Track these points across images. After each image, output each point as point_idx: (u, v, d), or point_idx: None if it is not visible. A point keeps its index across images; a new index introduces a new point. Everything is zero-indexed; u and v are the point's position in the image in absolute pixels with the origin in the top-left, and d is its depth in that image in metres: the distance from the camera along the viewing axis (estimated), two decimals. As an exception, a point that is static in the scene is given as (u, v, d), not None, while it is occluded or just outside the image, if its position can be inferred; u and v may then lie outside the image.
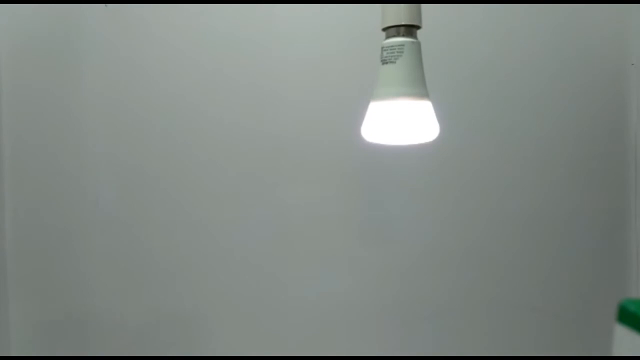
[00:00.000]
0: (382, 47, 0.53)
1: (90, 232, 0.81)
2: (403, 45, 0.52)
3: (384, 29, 0.54)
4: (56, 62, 0.80)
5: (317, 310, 0.80)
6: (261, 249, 0.79)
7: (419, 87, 0.52)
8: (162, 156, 0.80)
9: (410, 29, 0.53)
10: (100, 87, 0.80)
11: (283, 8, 0.77)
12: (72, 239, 0.81)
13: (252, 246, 0.79)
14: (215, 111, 0.79)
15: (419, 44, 0.53)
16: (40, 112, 0.81)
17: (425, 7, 0.54)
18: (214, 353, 0.80)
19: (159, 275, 0.80)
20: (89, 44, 0.79)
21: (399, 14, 0.52)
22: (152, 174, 0.80)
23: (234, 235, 0.80)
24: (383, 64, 0.53)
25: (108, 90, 0.80)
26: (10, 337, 0.82)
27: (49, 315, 0.82)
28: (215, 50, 0.78)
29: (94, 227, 0.81)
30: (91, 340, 0.81)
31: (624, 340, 0.28)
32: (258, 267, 0.80)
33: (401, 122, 0.53)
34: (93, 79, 0.80)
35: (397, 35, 0.53)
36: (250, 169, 0.79)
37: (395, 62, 0.52)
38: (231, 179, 0.79)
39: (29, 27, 0.80)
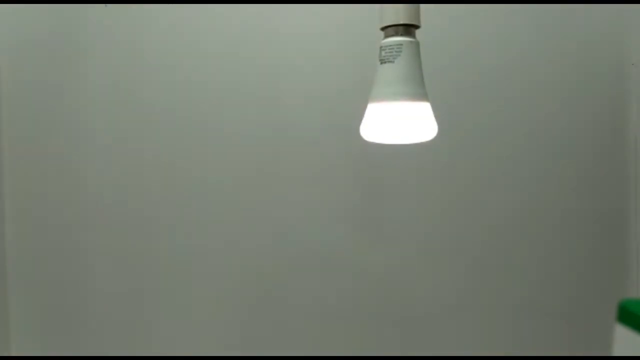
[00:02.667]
0: (381, 47, 0.53)
1: (91, 231, 0.81)
2: (401, 44, 0.52)
3: (383, 29, 0.54)
4: (56, 62, 0.80)
5: (316, 309, 0.79)
6: (260, 248, 0.79)
7: (418, 86, 0.52)
8: (162, 156, 0.80)
9: (408, 29, 0.53)
10: (101, 87, 0.80)
11: (283, 8, 0.77)
12: (73, 239, 0.81)
13: (251, 245, 0.79)
14: (215, 111, 0.79)
15: (417, 44, 0.53)
16: (41, 111, 0.81)
17: (424, 7, 0.54)
18: (213, 353, 0.80)
19: (159, 275, 0.80)
20: (89, 43, 0.79)
21: (397, 13, 0.52)
22: (153, 173, 0.80)
23: (234, 234, 0.79)
24: (381, 63, 0.53)
25: (108, 90, 0.80)
26: (10, 337, 0.82)
27: (49, 315, 0.82)
28: (215, 50, 0.78)
29: (94, 226, 0.81)
30: (91, 340, 0.81)
31: (624, 340, 0.28)
32: (257, 266, 0.80)
33: (400, 121, 0.53)
34: (93, 79, 0.80)
35: (396, 34, 0.52)
36: (250, 168, 0.79)
37: (393, 62, 0.52)
38: (231, 178, 0.79)
39: (29, 27, 0.80)
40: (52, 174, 0.81)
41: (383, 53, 0.53)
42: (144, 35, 0.79)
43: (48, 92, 0.81)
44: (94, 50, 0.80)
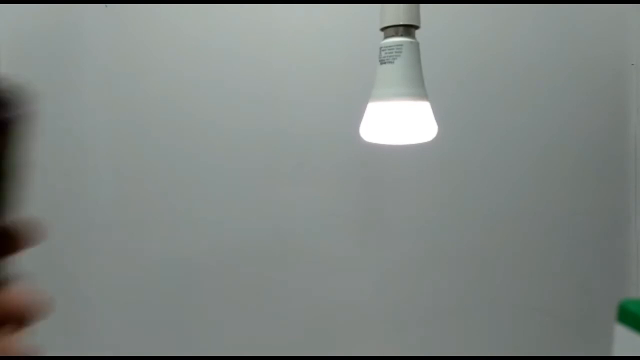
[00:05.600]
0: (381, 47, 0.53)
1: (91, 231, 0.81)
2: (401, 45, 0.52)
3: (383, 29, 0.54)
4: (56, 62, 0.80)
5: (316, 309, 0.79)
6: (261, 248, 0.79)
7: (418, 87, 0.52)
8: (162, 156, 0.80)
9: (408, 29, 0.53)
10: (100, 87, 0.80)
11: (283, 8, 0.77)
12: (72, 239, 0.81)
13: (252, 246, 0.79)
14: (215, 111, 0.79)
15: (417, 44, 0.53)
16: (40, 112, 0.81)
17: (423, 7, 0.54)
18: (213, 353, 0.80)
19: (159, 275, 0.80)
20: (89, 44, 0.79)
21: (397, 13, 0.52)
22: (152, 174, 0.80)
23: (234, 235, 0.79)
24: (381, 64, 0.53)
25: (108, 90, 0.80)
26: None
27: (49, 315, 0.82)
28: (215, 50, 0.78)
29: (94, 226, 0.81)
30: (91, 340, 0.81)
31: (624, 340, 0.28)
32: (257, 267, 0.80)
33: (399, 122, 0.53)
34: (93, 79, 0.80)
35: (396, 35, 0.52)
36: (250, 169, 0.79)
37: (393, 62, 0.52)
38: (231, 179, 0.79)
39: (29, 27, 0.80)
40: (50, 175, 0.81)
41: (383, 54, 0.53)
42: (144, 36, 0.79)
43: (47, 92, 0.81)
44: (93, 51, 0.79)
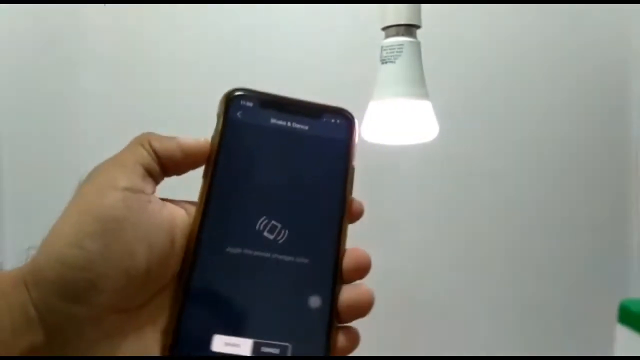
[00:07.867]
0: (382, 47, 0.53)
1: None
2: (402, 44, 0.52)
3: (384, 29, 0.54)
4: (55, 62, 0.80)
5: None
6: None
7: (419, 86, 0.52)
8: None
9: (410, 29, 0.53)
10: (100, 87, 0.80)
11: (282, 8, 0.77)
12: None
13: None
14: (214, 111, 0.79)
15: (418, 44, 0.53)
16: (39, 111, 0.81)
17: (425, 7, 0.54)
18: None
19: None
20: (89, 43, 0.79)
21: (398, 13, 0.52)
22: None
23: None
24: (383, 63, 0.53)
25: (107, 90, 0.80)
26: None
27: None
28: (214, 50, 0.78)
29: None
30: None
31: (625, 340, 0.28)
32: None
33: (401, 122, 0.53)
34: (92, 79, 0.80)
35: (397, 34, 0.52)
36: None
37: (394, 62, 0.52)
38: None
39: (28, 27, 0.80)
40: (50, 175, 0.81)
41: (384, 53, 0.53)
42: (143, 36, 0.79)
43: (46, 92, 0.80)
44: (92, 50, 0.79)
